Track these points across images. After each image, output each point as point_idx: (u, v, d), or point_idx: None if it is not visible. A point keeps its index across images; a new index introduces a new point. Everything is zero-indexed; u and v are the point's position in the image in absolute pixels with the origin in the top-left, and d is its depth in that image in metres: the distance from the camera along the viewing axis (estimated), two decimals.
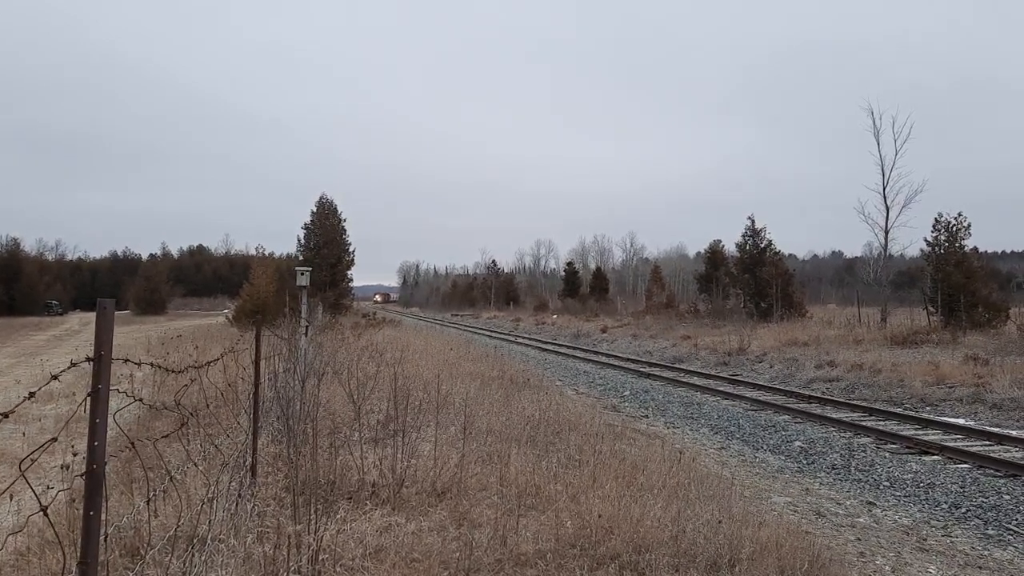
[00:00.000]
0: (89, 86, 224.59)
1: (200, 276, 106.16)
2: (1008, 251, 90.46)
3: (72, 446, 5.55)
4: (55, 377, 2.19)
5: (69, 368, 2.27)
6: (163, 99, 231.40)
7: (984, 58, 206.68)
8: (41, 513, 2.06)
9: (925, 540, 6.49)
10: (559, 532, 4.95)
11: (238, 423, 7.03)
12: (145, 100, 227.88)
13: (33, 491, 2.05)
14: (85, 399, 2.12)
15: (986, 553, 6.21)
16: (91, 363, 2.18)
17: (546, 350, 29.40)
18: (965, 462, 9.56)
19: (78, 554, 2.20)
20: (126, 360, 2.89)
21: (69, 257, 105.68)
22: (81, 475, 2.18)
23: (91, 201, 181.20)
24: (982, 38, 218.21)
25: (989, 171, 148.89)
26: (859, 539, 6.37)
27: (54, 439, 2.18)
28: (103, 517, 2.31)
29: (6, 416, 1.92)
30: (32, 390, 2.07)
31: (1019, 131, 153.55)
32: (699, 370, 21.39)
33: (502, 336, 39.16)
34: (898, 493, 8.21)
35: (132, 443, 2.99)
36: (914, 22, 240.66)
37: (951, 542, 6.48)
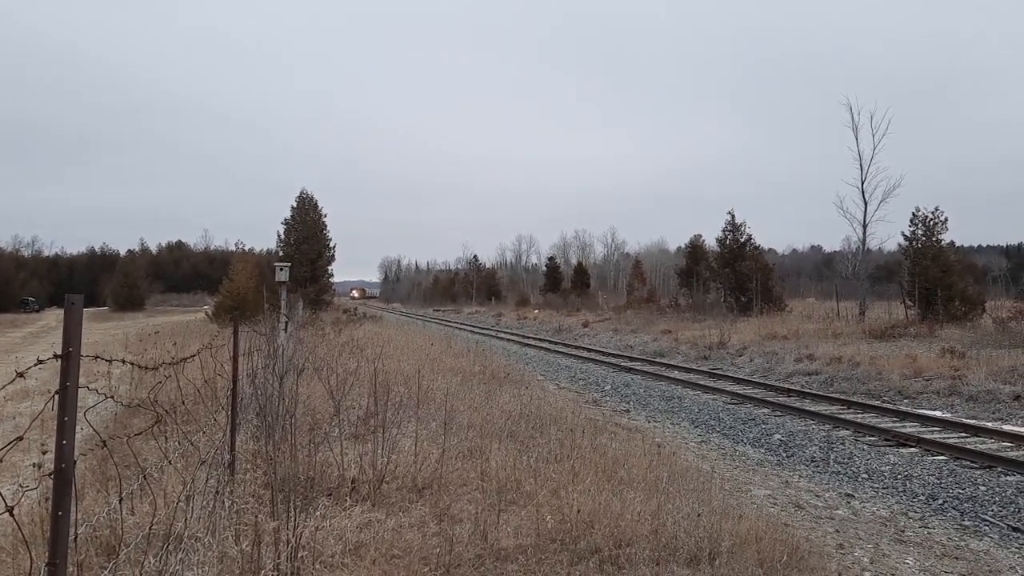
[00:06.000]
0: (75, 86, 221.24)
1: (179, 272, 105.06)
2: (984, 245, 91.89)
3: (43, 444, 5.46)
4: (20, 374, 2.14)
5: (36, 365, 2.22)
6: (148, 99, 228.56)
7: (962, 52, 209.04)
8: (7, 514, 2.01)
9: (903, 531, 6.55)
10: (540, 527, 4.95)
11: (216, 420, 6.96)
12: (129, 99, 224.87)
13: None
14: (52, 397, 2.08)
15: (963, 544, 6.28)
16: (59, 360, 2.13)
17: (528, 345, 29.41)
18: (942, 454, 9.67)
19: (47, 554, 2.16)
20: (96, 357, 2.83)
21: (46, 253, 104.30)
22: (50, 475, 2.13)
23: (62, 197, 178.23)
24: (960, 31, 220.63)
25: (966, 166, 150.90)
26: (838, 531, 6.41)
27: (19, 438, 2.13)
28: (73, 517, 2.26)
29: None
30: None
31: (996, 126, 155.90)
32: (680, 364, 21.50)
33: (484, 331, 39.12)
34: (876, 485, 8.29)
35: (104, 441, 2.93)
36: (891, 16, 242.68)
37: (928, 533, 6.55)
